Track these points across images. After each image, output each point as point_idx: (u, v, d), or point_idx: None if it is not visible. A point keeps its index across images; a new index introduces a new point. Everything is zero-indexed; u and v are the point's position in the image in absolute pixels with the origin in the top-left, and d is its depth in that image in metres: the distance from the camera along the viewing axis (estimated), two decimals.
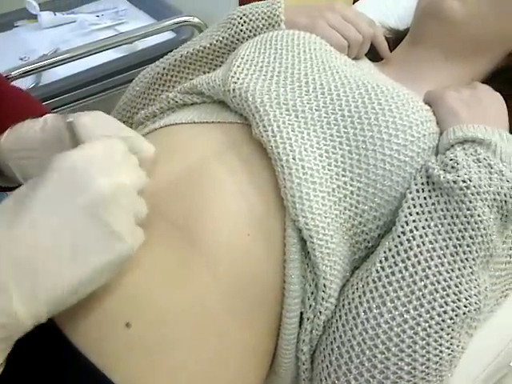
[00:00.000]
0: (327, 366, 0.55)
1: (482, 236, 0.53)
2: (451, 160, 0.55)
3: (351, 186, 0.56)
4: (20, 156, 0.58)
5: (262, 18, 0.75)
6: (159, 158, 0.56)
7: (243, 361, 0.54)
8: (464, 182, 0.53)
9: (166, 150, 0.60)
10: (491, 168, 0.54)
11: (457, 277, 0.52)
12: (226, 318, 0.53)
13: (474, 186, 0.53)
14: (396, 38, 0.87)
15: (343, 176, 0.56)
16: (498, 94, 0.66)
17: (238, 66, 0.65)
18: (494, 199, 0.53)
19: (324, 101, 0.60)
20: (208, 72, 0.78)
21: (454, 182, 0.53)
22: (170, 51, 0.83)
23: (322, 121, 0.59)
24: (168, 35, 1.35)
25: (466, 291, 0.52)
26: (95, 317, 0.48)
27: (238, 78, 0.63)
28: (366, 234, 0.58)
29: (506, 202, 0.54)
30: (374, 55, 0.80)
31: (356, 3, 1.17)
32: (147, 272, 0.51)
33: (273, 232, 0.55)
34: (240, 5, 1.51)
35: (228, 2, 1.52)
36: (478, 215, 0.52)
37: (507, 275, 0.61)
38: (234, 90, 0.62)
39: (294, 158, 0.55)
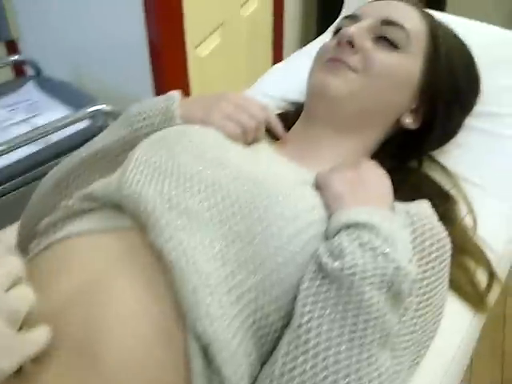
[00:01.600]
0: None
1: (375, 319, 0.54)
2: (337, 246, 0.57)
3: (248, 282, 0.57)
4: None
5: (159, 114, 0.77)
6: (56, 275, 0.56)
7: None
8: (350, 268, 0.55)
9: (63, 267, 0.60)
10: (375, 251, 0.56)
11: (356, 362, 0.53)
12: None
13: (361, 272, 0.55)
14: (298, 111, 0.91)
15: (238, 274, 0.57)
16: (381, 171, 0.69)
17: (131, 171, 0.65)
18: (382, 281, 0.55)
19: (215, 199, 0.61)
20: (110, 171, 0.78)
21: (341, 270, 0.55)
22: (86, 140, 0.83)
23: (213, 220, 0.60)
24: (83, 124, 1.36)
25: (367, 375, 0.53)
26: None
27: (132, 183, 0.64)
28: (270, 326, 0.58)
29: (393, 282, 0.56)
30: (273, 135, 0.83)
31: (258, 80, 1.22)
32: None
33: (174, 340, 0.55)
34: (154, 86, 1.56)
35: (142, 85, 1.56)
36: (368, 299, 0.54)
37: (414, 344, 0.62)
38: (127, 195, 0.63)
39: (187, 263, 0.56)
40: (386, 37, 0.79)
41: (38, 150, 1.31)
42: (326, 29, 1.26)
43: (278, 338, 0.59)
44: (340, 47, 0.79)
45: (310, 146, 0.81)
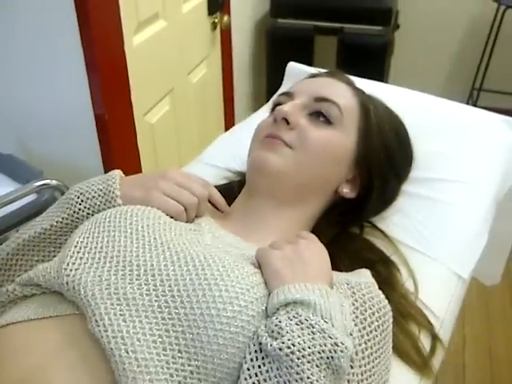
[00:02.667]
0: None
1: None
2: (276, 326, 0.58)
3: (189, 365, 0.57)
4: None
5: (99, 196, 0.77)
6: None
7: None
8: (288, 347, 0.55)
9: (2, 356, 0.58)
10: (313, 328, 0.57)
11: None
12: None
13: (299, 350, 0.55)
14: (242, 181, 0.93)
15: (180, 358, 0.57)
16: (319, 245, 0.71)
17: (71, 256, 0.66)
18: (321, 358, 0.56)
19: (154, 283, 0.62)
20: (52, 252, 0.78)
21: (280, 350, 0.55)
22: (32, 214, 0.82)
23: (153, 305, 0.60)
24: (29, 198, 1.34)
25: None
26: None
27: (71, 270, 0.64)
28: None
29: (332, 357, 0.56)
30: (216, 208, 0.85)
31: (204, 151, 1.24)
32: None
33: None
34: (102, 156, 1.56)
35: (90, 157, 1.56)
36: (308, 377, 0.55)
37: None
38: (67, 283, 0.62)
39: (126, 352, 0.55)
40: (320, 112, 0.84)
41: None
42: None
43: None
44: (276, 124, 0.83)
45: (252, 219, 0.83)
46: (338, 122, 0.84)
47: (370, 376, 0.64)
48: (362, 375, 0.63)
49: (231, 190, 0.95)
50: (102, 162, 1.55)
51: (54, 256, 0.72)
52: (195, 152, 1.31)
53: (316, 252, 0.69)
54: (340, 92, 0.87)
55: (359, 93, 0.90)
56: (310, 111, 0.84)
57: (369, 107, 0.88)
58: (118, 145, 1.56)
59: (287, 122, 0.82)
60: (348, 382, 0.61)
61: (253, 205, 0.84)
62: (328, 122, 0.83)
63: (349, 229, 0.92)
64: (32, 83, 1.54)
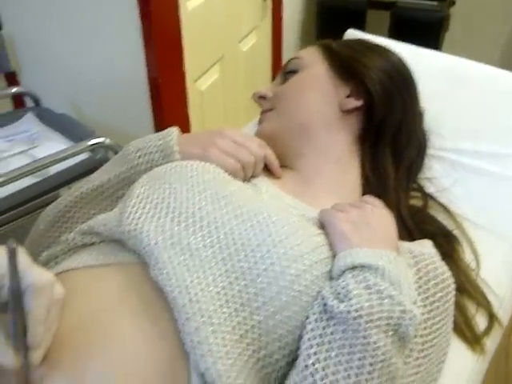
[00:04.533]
0: None
1: (381, 362, 0.53)
2: (343, 288, 0.56)
3: (251, 320, 0.56)
4: None
5: (157, 151, 0.77)
6: None
7: None
8: (356, 311, 0.54)
9: (64, 300, 0.58)
10: (381, 293, 0.56)
11: None
12: None
13: (367, 314, 0.54)
14: None
15: (242, 311, 0.56)
16: (386, 211, 0.69)
17: (133, 206, 0.65)
18: (388, 324, 0.54)
19: (217, 236, 0.61)
20: (109, 206, 0.78)
21: (348, 312, 0.54)
22: (85, 172, 0.83)
23: (216, 258, 0.59)
24: (82, 156, 1.36)
25: None
26: None
27: (133, 219, 0.63)
28: (274, 364, 0.57)
29: (399, 325, 0.55)
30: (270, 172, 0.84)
31: (250, 123, 1.23)
32: None
33: (179, 378, 0.54)
34: (154, 120, 1.57)
35: (141, 119, 1.57)
36: (374, 342, 0.53)
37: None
38: (129, 231, 0.62)
39: (190, 301, 0.55)
40: (287, 71, 0.91)
41: (36, 181, 1.30)
42: None
43: (282, 377, 0.58)
44: (259, 105, 0.92)
45: (301, 181, 0.81)
46: (300, 66, 0.89)
47: (431, 347, 0.62)
48: (422, 345, 0.61)
49: None
50: (154, 126, 1.55)
51: (111, 209, 0.72)
52: (242, 121, 1.30)
53: (382, 218, 0.67)
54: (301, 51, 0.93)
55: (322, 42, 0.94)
56: (281, 82, 0.91)
57: (329, 43, 0.92)
58: (170, 109, 1.56)
59: (264, 98, 0.91)
60: (410, 350, 0.60)
61: (293, 167, 0.84)
62: (294, 72, 0.89)
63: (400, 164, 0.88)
64: (88, 46, 1.55)
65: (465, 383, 0.73)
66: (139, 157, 0.77)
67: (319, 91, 0.85)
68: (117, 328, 0.56)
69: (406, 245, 0.68)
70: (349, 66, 0.86)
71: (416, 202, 0.89)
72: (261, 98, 0.91)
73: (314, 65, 0.88)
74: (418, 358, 0.61)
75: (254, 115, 1.28)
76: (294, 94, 0.86)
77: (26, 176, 1.24)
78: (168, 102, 1.55)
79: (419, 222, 0.84)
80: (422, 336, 0.61)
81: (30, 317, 0.50)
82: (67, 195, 0.81)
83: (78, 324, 0.56)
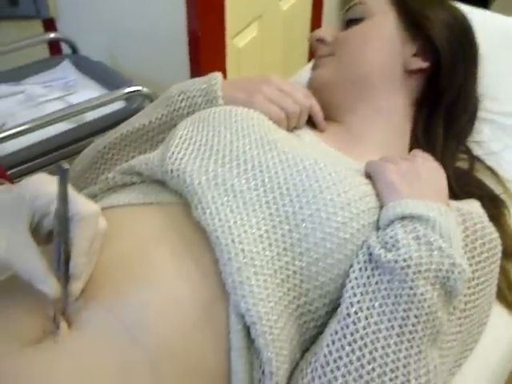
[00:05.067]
0: None
1: (426, 314, 0.52)
2: (391, 238, 0.55)
3: (293, 265, 0.55)
4: None
5: (200, 95, 0.75)
6: None
7: None
8: (405, 261, 0.52)
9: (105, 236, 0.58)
10: (431, 245, 0.54)
11: (404, 357, 0.51)
12: None
13: (415, 265, 0.52)
14: None
15: (285, 256, 0.55)
16: (436, 164, 0.67)
17: (176, 146, 0.64)
18: (436, 276, 0.53)
19: (262, 179, 0.60)
20: (149, 149, 0.78)
21: (395, 262, 0.52)
22: (121, 121, 0.83)
23: (260, 200, 0.58)
24: (118, 105, 1.35)
25: (415, 371, 0.51)
26: None
27: (176, 159, 0.62)
28: (313, 312, 0.56)
29: (448, 278, 0.53)
30: (313, 124, 0.81)
31: (292, 76, 1.20)
32: (87, 367, 0.48)
33: (217, 319, 0.53)
34: (191, 72, 1.55)
35: (179, 70, 1.55)
36: (421, 294, 0.52)
37: (459, 345, 0.60)
38: (171, 171, 0.61)
39: (233, 241, 0.54)
40: (349, 20, 0.84)
41: (71, 127, 1.29)
42: None
43: (320, 326, 0.57)
44: (315, 48, 0.86)
45: (346, 135, 0.78)
46: (366, 13, 0.82)
47: (473, 308, 0.60)
48: (465, 305, 0.60)
49: None
50: (191, 77, 1.53)
51: (152, 151, 0.71)
52: None
53: (433, 171, 0.65)
54: None
55: None
56: (342, 28, 0.85)
57: None
58: (208, 64, 1.53)
59: (323, 42, 0.84)
60: (453, 308, 0.58)
61: (341, 120, 0.80)
62: (357, 21, 0.82)
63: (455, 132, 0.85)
64: None
65: (505, 348, 0.71)
66: (182, 100, 0.75)
67: (386, 44, 0.79)
68: (157, 265, 0.55)
69: (454, 203, 0.66)
70: (416, 18, 0.79)
71: (462, 164, 0.86)
72: (319, 41, 0.85)
73: (381, 13, 0.81)
74: (459, 318, 0.59)
75: (291, 75, 1.25)
76: (359, 43, 0.80)
77: (62, 121, 1.25)
78: (206, 56, 1.53)
79: (465, 184, 0.81)
80: (465, 295, 0.60)
81: (73, 247, 0.50)
82: (106, 137, 0.81)
83: (118, 260, 0.56)
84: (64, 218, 0.48)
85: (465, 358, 0.63)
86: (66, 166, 0.45)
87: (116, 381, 0.48)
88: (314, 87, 0.82)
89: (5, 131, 1.16)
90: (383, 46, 0.79)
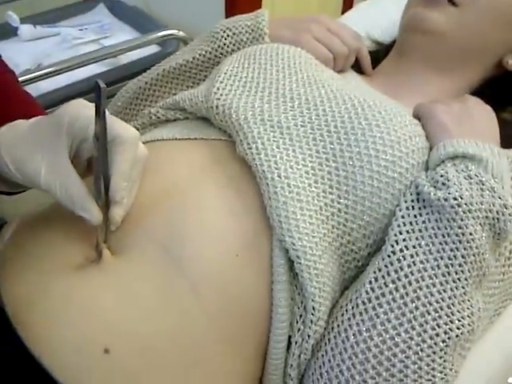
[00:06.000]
0: None
1: (474, 255, 0.51)
2: (442, 176, 0.53)
3: (339, 203, 0.54)
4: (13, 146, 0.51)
5: (246, 32, 0.74)
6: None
7: None
8: (455, 199, 0.51)
9: (148, 167, 0.58)
10: (483, 185, 0.53)
11: (449, 298, 0.50)
12: (212, 345, 0.50)
13: (466, 204, 0.51)
14: (379, 52, 0.86)
15: (330, 193, 0.55)
16: (488, 107, 0.64)
17: (221, 82, 0.63)
18: (486, 217, 0.52)
19: (309, 116, 0.59)
20: (191, 87, 0.77)
21: (445, 200, 0.51)
22: (155, 65, 0.82)
23: (307, 137, 0.57)
24: (153, 49, 1.33)
25: (459, 312, 0.50)
26: (72, 342, 0.46)
27: (222, 94, 0.61)
28: (356, 252, 0.56)
29: (498, 219, 0.52)
30: (358, 69, 0.79)
31: (342, 16, 1.16)
32: (127, 294, 0.49)
33: (260, 252, 0.53)
34: (226, 17, 1.51)
35: (214, 15, 1.51)
36: (470, 234, 0.51)
37: (500, 293, 0.59)
38: (217, 106, 0.60)
39: (279, 176, 0.53)
40: None
41: (105, 70, 1.29)
42: None
43: (361, 267, 0.57)
44: None
45: (400, 81, 0.75)
46: None
47: None
48: (510, 253, 0.58)
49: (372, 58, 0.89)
50: None
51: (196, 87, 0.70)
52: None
53: (485, 112, 0.63)
54: None
55: None
56: None
57: None
58: (243, 5, 1.49)
59: None
60: (499, 255, 0.57)
61: (403, 68, 0.76)
62: None
63: (500, 112, 0.83)
64: None
65: None
66: (227, 37, 0.74)
67: (507, 32, 0.72)
68: (202, 197, 0.55)
69: (504, 150, 0.64)
70: None
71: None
72: None
73: None
74: (504, 266, 0.58)
75: (327, 13, 1.20)
76: (490, 17, 0.71)
77: (96, 62, 1.24)
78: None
79: (509, 135, 0.78)
80: (511, 243, 0.58)
81: (113, 171, 0.49)
82: (148, 73, 0.80)
83: (162, 190, 0.56)
84: (103, 139, 0.47)
85: (504, 308, 0.62)
86: (102, 83, 0.43)
87: (158, 305, 0.49)
88: (415, 25, 0.73)
89: (40, 70, 1.16)
90: (508, 33, 0.73)
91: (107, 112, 0.47)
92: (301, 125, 0.58)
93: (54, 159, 0.47)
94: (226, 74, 0.65)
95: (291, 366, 0.54)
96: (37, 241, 0.53)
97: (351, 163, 0.55)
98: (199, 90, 0.65)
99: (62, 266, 0.50)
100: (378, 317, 0.51)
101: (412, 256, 0.51)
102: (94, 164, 0.48)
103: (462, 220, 0.51)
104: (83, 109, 0.49)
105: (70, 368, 0.45)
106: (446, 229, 0.51)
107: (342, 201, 0.54)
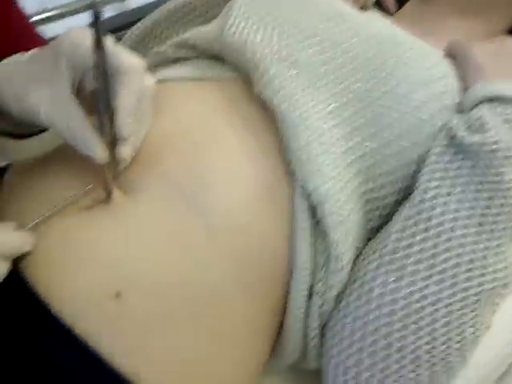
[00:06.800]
0: (337, 344, 0.50)
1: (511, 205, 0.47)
2: (477, 120, 0.49)
3: (364, 147, 0.50)
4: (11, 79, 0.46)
5: None
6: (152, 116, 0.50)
7: (248, 339, 0.49)
8: (493, 143, 0.47)
9: (158, 107, 0.54)
10: None
11: (483, 249, 0.47)
12: (230, 292, 0.47)
13: (505, 149, 0.47)
14: None
15: (355, 136, 0.50)
16: None
17: (236, 17, 0.58)
18: None
19: (332, 54, 0.54)
20: (201, 25, 0.72)
21: (482, 145, 0.47)
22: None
23: (330, 75, 0.53)
24: None
25: (493, 265, 0.47)
26: (82, 285, 0.43)
27: (236, 30, 0.56)
28: (381, 200, 0.52)
29: None
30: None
31: None
32: (141, 235, 0.46)
33: (280, 198, 0.50)
34: None
35: None
36: (509, 181, 0.47)
37: None
38: (231, 43, 0.56)
39: (300, 116, 0.49)
40: None
41: (113, 15, 1.22)
42: None
43: (386, 216, 0.53)
44: None
45: (425, 26, 0.70)
46: None
47: None
48: None
49: None
50: None
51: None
52: None
53: None
54: None
55: None
56: None
57: None
58: None
59: None
60: None
61: (427, 11, 0.70)
62: None
63: None
64: None
65: None
66: None
67: None
68: (217, 138, 0.51)
69: None
70: None
71: None
72: None
73: None
74: None
75: None
76: None
77: (105, 5, 1.19)
78: None
79: None
80: None
81: (118, 105, 0.44)
82: (155, 12, 0.75)
83: (176, 130, 0.52)
84: (102, 67, 0.41)
85: None
86: (97, 7, 0.38)
87: (172, 250, 0.46)
88: None
89: (47, 12, 1.11)
90: None
91: (110, 42, 0.43)
92: (322, 63, 0.53)
93: (55, 91, 0.43)
94: (240, 9, 0.60)
95: (312, 316, 0.51)
96: (40, 182, 0.50)
97: (378, 103, 0.50)
98: (211, 26, 0.61)
99: (67, 206, 0.47)
100: (405, 268, 0.47)
101: (444, 204, 0.47)
102: (96, 97, 0.43)
103: (499, 167, 0.47)
104: (84, 37, 0.44)
105: (78, 311, 0.42)
106: (483, 176, 0.47)
107: (367, 144, 0.50)
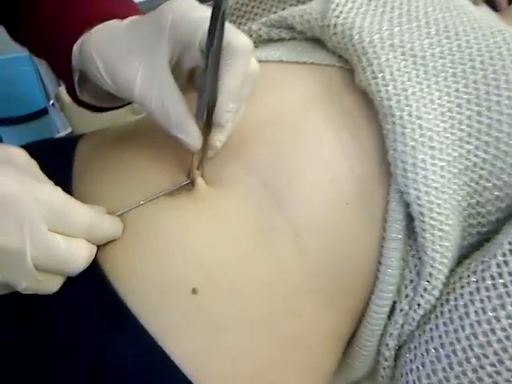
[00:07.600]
0: (418, 369, 0.46)
1: None
2: None
3: (475, 156, 0.45)
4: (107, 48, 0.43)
5: None
6: None
7: (321, 348, 0.46)
8: None
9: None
10: None
11: None
12: (308, 298, 0.44)
13: None
14: None
15: (467, 143, 0.45)
16: None
17: None
18: None
19: (450, 47, 0.49)
20: (296, 4, 0.67)
21: None
22: None
23: (446, 71, 0.47)
24: None
25: None
26: (157, 282, 0.40)
27: (341, 12, 0.52)
28: (483, 216, 0.47)
29: None
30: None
31: None
32: (222, 232, 0.42)
33: (373, 203, 0.46)
34: None
35: None
36: None
37: None
38: (335, 25, 0.51)
39: (409, 115, 0.44)
40: None
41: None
42: None
43: (484, 234, 0.48)
44: None
45: None
46: None
47: None
48: None
49: None
50: None
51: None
52: None
53: None
54: None
55: None
56: None
57: None
58: None
59: None
60: None
61: None
62: None
63: None
64: None
65: None
66: None
67: None
68: (311, 130, 0.47)
69: None
70: None
71: None
72: None
73: None
74: None
75: None
76: None
77: None
78: None
79: None
80: None
81: (220, 89, 0.41)
82: None
83: (268, 118, 0.48)
84: (218, 47, 0.38)
85: None
86: None
87: (256, 249, 0.42)
88: None
89: None
90: None
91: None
92: (439, 56, 0.48)
93: (153, 67, 0.40)
94: None
95: (391, 334, 0.46)
96: (116, 163, 0.47)
97: (498, 109, 0.45)
98: (313, 5, 0.56)
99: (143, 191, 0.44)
100: (508, 296, 0.42)
101: None
102: (200, 78, 0.40)
103: None
104: (190, 9, 0.40)
105: (151, 309, 0.39)
106: None
107: (479, 153, 0.45)
